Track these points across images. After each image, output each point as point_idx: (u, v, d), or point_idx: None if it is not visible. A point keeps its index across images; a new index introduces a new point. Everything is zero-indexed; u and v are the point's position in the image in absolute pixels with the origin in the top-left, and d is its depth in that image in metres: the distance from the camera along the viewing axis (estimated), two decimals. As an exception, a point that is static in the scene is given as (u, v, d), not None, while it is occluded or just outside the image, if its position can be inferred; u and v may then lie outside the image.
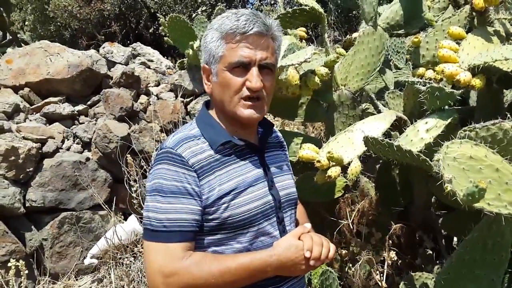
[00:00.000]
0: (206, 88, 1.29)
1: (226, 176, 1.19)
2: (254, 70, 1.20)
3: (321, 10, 2.17)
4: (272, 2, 7.44)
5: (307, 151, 1.78)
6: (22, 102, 4.02)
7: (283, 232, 1.27)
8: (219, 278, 1.10)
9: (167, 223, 1.12)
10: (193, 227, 1.14)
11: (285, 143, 1.50)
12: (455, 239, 2.39)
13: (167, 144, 1.21)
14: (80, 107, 4.20)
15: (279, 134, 1.49)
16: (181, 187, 1.14)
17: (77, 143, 4.02)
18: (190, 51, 4.29)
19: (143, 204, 3.48)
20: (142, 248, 3.36)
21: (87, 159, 3.89)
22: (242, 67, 1.20)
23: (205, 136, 1.23)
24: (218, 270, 1.10)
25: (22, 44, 6.26)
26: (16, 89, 4.08)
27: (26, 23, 8.11)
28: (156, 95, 4.57)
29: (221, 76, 1.22)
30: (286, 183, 1.35)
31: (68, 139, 4.00)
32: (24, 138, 3.67)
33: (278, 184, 1.30)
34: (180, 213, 1.13)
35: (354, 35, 2.53)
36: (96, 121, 4.14)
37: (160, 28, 4.83)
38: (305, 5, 2.14)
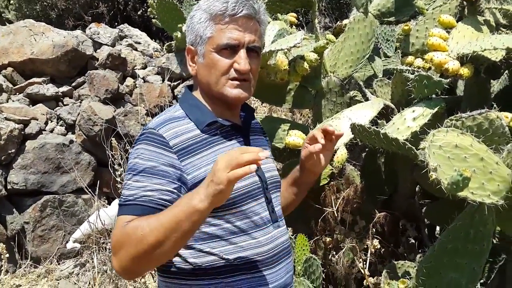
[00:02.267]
0: (190, 70, 1.28)
1: (213, 156, 1.19)
2: (243, 53, 1.21)
3: (312, -6, 2.13)
4: (264, -12, 7.36)
5: (294, 137, 1.76)
6: (4, 82, 3.92)
7: (272, 212, 1.27)
8: (151, 230, 1.02)
9: (131, 197, 1.10)
10: (157, 205, 1.10)
11: (265, 133, 1.51)
12: (437, 228, 2.41)
13: (150, 125, 1.21)
14: (65, 88, 4.12)
15: (258, 121, 1.51)
16: (155, 167, 1.13)
17: (61, 125, 3.95)
18: (179, 34, 4.22)
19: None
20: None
21: (71, 141, 3.83)
22: (230, 49, 1.20)
23: (191, 117, 1.23)
24: (147, 223, 1.03)
25: (7, 24, 6.10)
26: (-2, 68, 3.99)
27: (11, 1, 7.89)
28: (143, 78, 4.50)
29: (208, 57, 1.21)
30: (270, 166, 1.35)
31: (51, 121, 3.92)
32: (6, 118, 3.60)
33: (263, 166, 1.29)
34: (146, 191, 1.11)
35: (345, 21, 2.50)
36: (80, 103, 4.07)
37: (149, 10, 4.73)
38: (296, -11, 2.10)
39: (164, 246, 1.03)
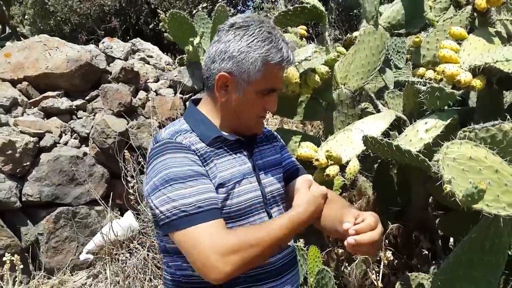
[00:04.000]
0: (219, 95, 1.24)
1: (223, 165, 1.21)
2: (276, 96, 1.28)
3: (322, 8, 2.16)
4: (273, 0, 7.43)
5: (306, 149, 1.77)
6: (20, 96, 3.99)
7: None
8: (269, 240, 1.10)
9: (200, 203, 1.09)
10: (218, 205, 1.14)
11: (275, 135, 1.49)
12: (451, 239, 2.39)
13: (163, 136, 1.20)
14: (79, 102, 4.18)
15: (269, 129, 1.51)
16: (195, 169, 1.14)
17: (75, 138, 4.00)
18: (190, 48, 4.27)
19: (140, 200, 3.50)
20: (138, 244, 3.34)
21: (85, 154, 3.87)
22: (263, 93, 1.24)
23: (196, 132, 1.24)
24: (267, 233, 1.11)
25: (22, 38, 6.24)
26: (14, 83, 4.06)
27: (26, 17, 8.07)
28: (155, 91, 4.55)
29: (248, 97, 1.23)
30: (273, 179, 1.34)
31: (65, 134, 3.98)
32: (21, 132, 3.65)
33: (264, 180, 1.30)
34: (206, 193, 1.12)
35: (355, 34, 2.52)
36: (94, 116, 4.12)
37: (160, 24, 4.80)
38: (306, 3, 2.13)
39: (274, 249, 1.16)
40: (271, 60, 1.20)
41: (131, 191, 3.47)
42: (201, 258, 1.05)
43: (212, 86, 1.25)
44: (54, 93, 4.08)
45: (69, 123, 4.05)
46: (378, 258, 2.05)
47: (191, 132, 1.23)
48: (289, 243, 1.32)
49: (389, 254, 2.01)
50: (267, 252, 1.12)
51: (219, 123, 1.27)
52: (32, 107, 4.04)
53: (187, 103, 4.52)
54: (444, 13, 2.19)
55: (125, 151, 3.61)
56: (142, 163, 3.63)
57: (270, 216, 1.27)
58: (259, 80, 1.21)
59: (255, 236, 1.09)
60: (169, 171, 1.12)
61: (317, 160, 1.69)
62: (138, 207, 3.53)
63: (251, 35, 1.21)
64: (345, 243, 1.05)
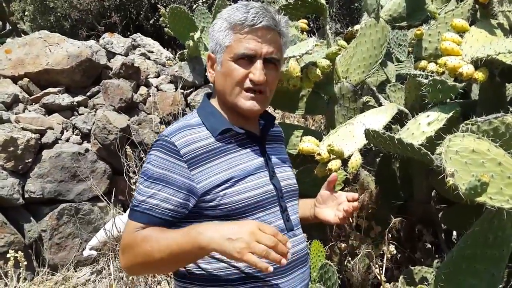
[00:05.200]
0: (209, 77, 1.30)
1: (225, 165, 1.19)
2: (259, 63, 1.21)
3: (323, 1, 2.14)
4: (274, -6, 7.39)
5: (308, 144, 1.77)
6: (21, 92, 3.99)
7: (287, 221, 1.26)
8: (156, 245, 1.09)
9: (141, 204, 1.16)
10: (163, 215, 1.15)
11: (283, 138, 1.50)
12: (454, 233, 2.39)
13: (164, 132, 1.22)
14: (80, 98, 4.18)
15: (280, 129, 1.49)
16: (165, 175, 1.16)
17: (76, 134, 4.00)
18: (191, 43, 4.26)
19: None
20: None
21: (86, 150, 3.88)
22: (247, 59, 1.21)
23: (206, 125, 1.24)
24: (155, 238, 1.11)
25: (22, 34, 6.22)
26: (15, 79, 4.06)
27: (26, 13, 8.05)
28: (156, 87, 4.54)
29: (225, 66, 1.22)
30: (287, 174, 1.35)
31: (67, 130, 3.98)
32: (23, 128, 3.66)
33: (279, 174, 1.30)
34: (155, 199, 1.15)
35: (356, 27, 2.51)
36: (95, 112, 4.12)
37: (161, 19, 4.78)
38: (307, -4, 2.11)
39: (166, 265, 1.17)
40: (233, 22, 1.20)
41: (133, 187, 3.47)
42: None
43: None
44: (55, 89, 4.08)
45: (70, 119, 4.05)
46: (381, 252, 2.05)
47: (199, 127, 1.23)
48: (300, 240, 1.30)
49: (392, 248, 2.00)
50: (158, 261, 1.10)
51: (227, 115, 1.27)
52: (33, 103, 4.04)
53: (192, 97, 4.53)
54: (446, 5, 2.17)
55: (127, 147, 3.61)
56: (144, 159, 3.63)
57: (283, 210, 1.26)
58: (230, 46, 1.21)
59: (149, 240, 1.11)
60: (148, 166, 1.19)
61: (319, 154, 1.68)
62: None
63: (226, 10, 1.25)
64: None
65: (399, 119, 1.99)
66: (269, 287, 1.19)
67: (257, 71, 1.20)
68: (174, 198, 1.15)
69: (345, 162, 1.74)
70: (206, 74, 1.32)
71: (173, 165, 1.16)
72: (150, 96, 4.39)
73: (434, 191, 2.21)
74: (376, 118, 1.86)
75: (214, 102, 1.31)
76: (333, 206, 1.35)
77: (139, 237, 1.12)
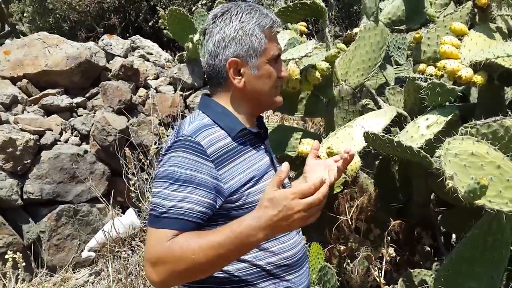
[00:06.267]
0: (235, 82, 1.24)
1: (245, 164, 1.20)
2: (282, 61, 1.30)
3: (322, 4, 2.15)
4: (273, -4, 7.41)
5: (307, 146, 1.77)
6: (20, 93, 3.99)
7: None
8: (201, 253, 1.03)
9: (171, 209, 1.09)
10: (197, 219, 1.10)
11: None
12: (453, 236, 2.39)
13: (185, 133, 1.18)
14: (79, 99, 4.17)
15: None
16: (195, 176, 1.12)
17: (75, 136, 4.00)
18: (190, 45, 4.26)
19: (141, 197, 3.50)
20: (140, 241, 3.35)
21: (85, 151, 3.88)
22: (275, 60, 1.27)
23: (221, 125, 1.22)
24: (199, 246, 1.04)
25: (21, 36, 6.22)
26: (14, 80, 4.05)
27: (25, 14, 8.04)
28: (155, 88, 4.54)
29: (264, 68, 1.25)
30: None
31: (66, 132, 3.98)
32: (21, 129, 3.66)
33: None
34: (188, 203, 1.10)
35: (355, 30, 2.51)
36: (94, 113, 4.12)
37: (160, 21, 4.79)
38: (307, -1, 2.12)
39: (214, 269, 1.10)
40: (265, 26, 1.24)
41: (132, 188, 3.47)
42: (144, 262, 1.11)
43: (225, 80, 1.24)
44: (54, 91, 4.08)
45: (69, 120, 4.05)
46: (381, 255, 2.06)
47: (213, 127, 1.20)
48: (301, 237, 1.33)
49: (391, 250, 2.01)
50: (204, 267, 1.06)
51: (239, 116, 1.26)
52: (32, 104, 4.04)
53: (191, 99, 4.53)
54: (445, 9, 2.19)
55: (126, 148, 3.61)
56: (143, 160, 3.63)
57: None
58: (267, 48, 1.25)
59: (189, 249, 1.04)
60: (172, 169, 1.12)
61: (318, 157, 1.69)
62: (140, 205, 3.53)
63: (236, 14, 1.25)
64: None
65: (398, 122, 2.00)
66: (286, 282, 1.22)
67: (284, 68, 1.29)
68: (206, 200, 1.11)
69: (344, 164, 1.74)
70: (233, 81, 1.28)
71: (200, 165, 1.12)
72: (149, 97, 4.39)
73: (433, 193, 2.21)
74: (375, 121, 1.86)
75: (222, 102, 1.28)
76: (323, 172, 1.31)
77: (175, 247, 1.05)
